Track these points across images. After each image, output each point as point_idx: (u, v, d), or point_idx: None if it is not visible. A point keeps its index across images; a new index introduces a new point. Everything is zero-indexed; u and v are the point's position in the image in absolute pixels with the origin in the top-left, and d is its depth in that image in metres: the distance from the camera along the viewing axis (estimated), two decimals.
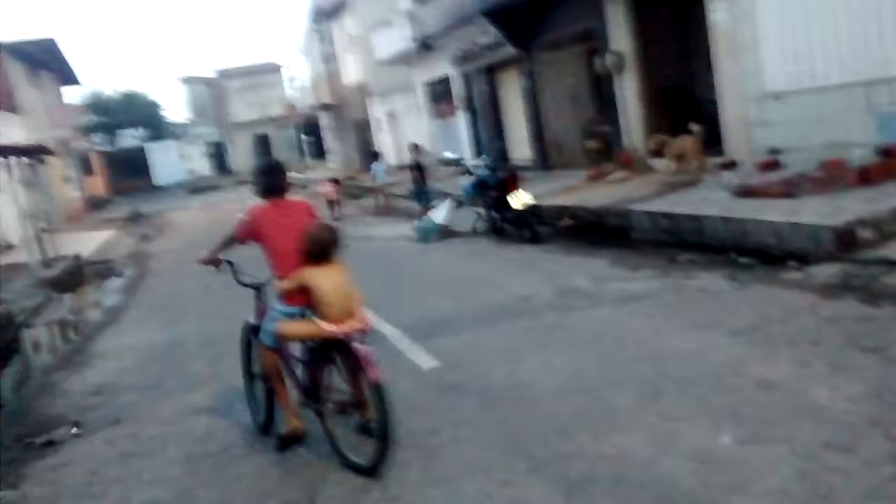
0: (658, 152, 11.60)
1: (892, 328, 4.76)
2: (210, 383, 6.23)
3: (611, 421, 4.15)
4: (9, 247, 19.65)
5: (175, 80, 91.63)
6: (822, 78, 9.23)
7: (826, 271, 6.14)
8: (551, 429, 4.17)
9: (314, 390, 4.36)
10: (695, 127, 10.91)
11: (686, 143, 11.04)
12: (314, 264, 4.21)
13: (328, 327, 4.09)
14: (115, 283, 14.19)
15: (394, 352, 6.16)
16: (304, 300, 4.24)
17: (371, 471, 3.95)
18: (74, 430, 5.59)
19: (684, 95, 13.11)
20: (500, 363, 5.46)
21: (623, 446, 3.81)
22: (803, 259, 6.59)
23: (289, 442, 4.53)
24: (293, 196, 4.79)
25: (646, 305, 6.31)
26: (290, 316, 4.35)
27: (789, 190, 8.06)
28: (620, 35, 13.02)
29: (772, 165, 9.55)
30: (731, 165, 10.38)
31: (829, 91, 9.13)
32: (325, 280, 4.16)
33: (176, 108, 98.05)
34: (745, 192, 8.51)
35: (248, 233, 4.56)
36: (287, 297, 4.35)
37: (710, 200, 8.78)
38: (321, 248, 4.22)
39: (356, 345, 4.00)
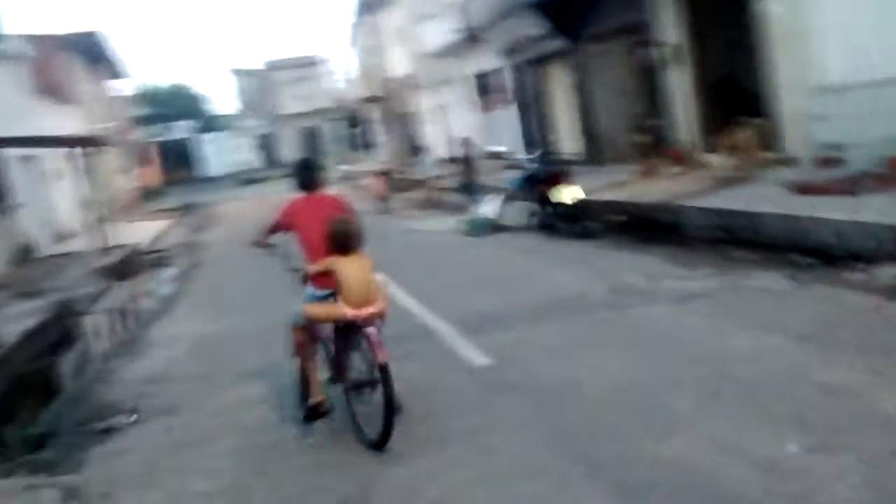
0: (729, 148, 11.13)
1: None
2: (262, 375, 6.29)
3: (670, 424, 4.06)
4: (69, 235, 20.18)
5: (225, 72, 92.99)
6: (882, 70, 8.90)
7: (890, 272, 5.93)
8: (608, 431, 4.11)
9: (339, 369, 4.74)
10: (752, 120, 10.63)
11: (742, 136, 10.75)
12: (339, 254, 4.55)
13: (347, 311, 4.45)
14: (168, 272, 14.45)
15: (444, 348, 6.14)
16: (333, 284, 4.55)
17: (378, 444, 4.29)
18: (132, 418, 5.70)
19: (736, 88, 12.80)
20: (554, 361, 5.40)
21: (683, 451, 3.72)
22: (865, 259, 6.38)
23: (314, 413, 4.83)
24: (330, 190, 5.29)
25: (703, 304, 6.18)
26: (319, 298, 4.71)
27: (849, 187, 7.81)
28: (670, 26, 12.76)
29: (830, 162, 9.26)
30: (787, 161, 10.11)
31: (889, 84, 8.81)
32: (347, 268, 4.52)
33: (226, 100, 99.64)
34: (803, 189, 8.28)
35: (284, 223, 5.00)
36: (317, 281, 4.70)
37: (765, 197, 8.56)
38: (342, 239, 4.57)
39: (367, 329, 4.36)
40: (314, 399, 4.86)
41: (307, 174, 5.11)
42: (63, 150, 16.12)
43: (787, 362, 4.61)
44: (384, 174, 19.33)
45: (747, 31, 11.64)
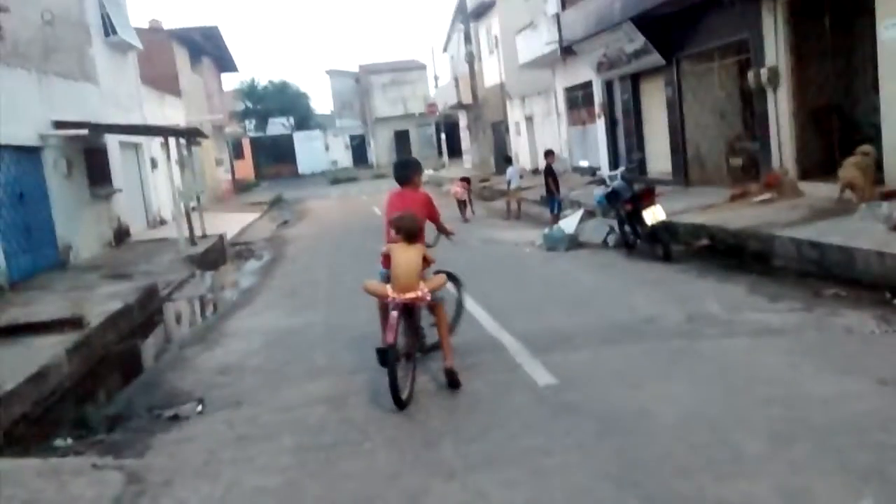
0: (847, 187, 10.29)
1: None
2: (328, 374, 6.36)
3: (736, 465, 3.88)
4: (162, 222, 21.03)
5: (321, 73, 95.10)
6: None
7: None
8: (669, 465, 3.95)
9: (395, 335, 5.27)
10: (866, 148, 10.02)
11: (857, 168, 9.99)
12: (405, 241, 5.51)
13: (389, 292, 5.40)
14: (252, 264, 14.86)
15: (511, 364, 6.06)
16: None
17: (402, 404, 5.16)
18: (199, 408, 5.84)
19: (842, 117, 12.25)
20: (620, 386, 5.25)
21: (748, 495, 3.54)
22: None
23: (381, 356, 5.25)
24: (421, 188, 6.28)
25: (784, 341, 5.90)
26: (383, 276, 5.77)
27: None
28: (773, 48, 12.32)
29: None
30: (892, 196, 9.58)
31: None
32: (398, 254, 5.48)
33: (321, 100, 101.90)
34: None
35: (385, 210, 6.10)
36: (384, 261, 5.78)
37: (864, 232, 8.14)
38: (399, 229, 5.54)
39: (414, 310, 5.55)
40: (382, 345, 5.32)
41: (401, 171, 6.27)
42: (163, 139, 16.76)
43: (868, 410, 4.34)
44: (467, 180, 19.31)
45: (861, 57, 11.15)
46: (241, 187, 40.47)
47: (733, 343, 6.01)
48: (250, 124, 59.13)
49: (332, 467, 4.45)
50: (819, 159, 12.13)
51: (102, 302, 9.72)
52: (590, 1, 18.11)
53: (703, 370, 5.44)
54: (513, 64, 26.88)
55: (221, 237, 17.04)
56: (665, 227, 10.18)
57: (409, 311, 5.53)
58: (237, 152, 45.07)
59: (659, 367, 5.63)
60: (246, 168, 49.95)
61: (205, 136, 21.98)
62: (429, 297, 5.54)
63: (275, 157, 58.35)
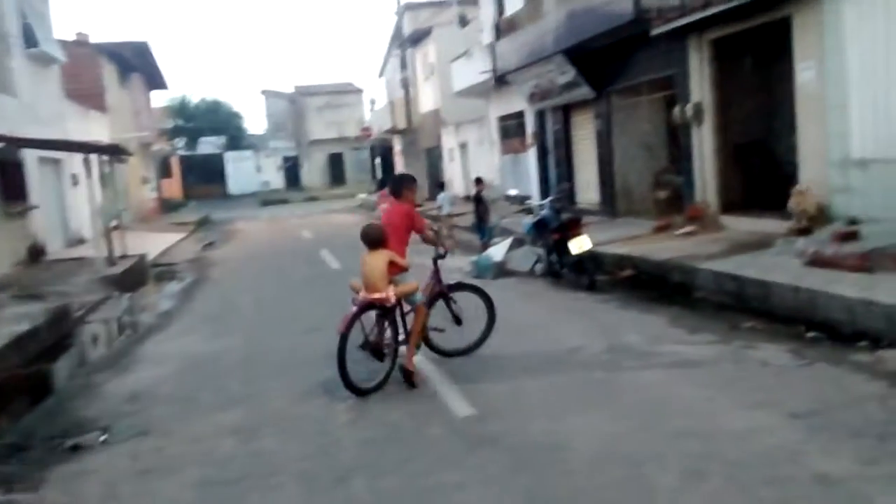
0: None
1: None
2: (242, 404, 6.14)
3: (649, 500, 3.86)
4: (81, 241, 20.24)
5: (256, 93, 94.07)
6: None
7: None
8: (583, 501, 3.90)
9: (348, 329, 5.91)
10: (804, 187, 10.23)
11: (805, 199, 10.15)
12: (369, 248, 6.20)
13: (361, 292, 6.16)
14: (174, 287, 14.40)
15: (429, 393, 5.97)
16: None
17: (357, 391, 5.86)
18: (103, 438, 5.54)
19: (763, 154, 12.66)
20: (540, 419, 5.20)
21: None
22: (874, 340, 6.16)
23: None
24: (409, 201, 6.63)
25: (701, 373, 5.96)
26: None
27: (866, 264, 7.59)
28: (699, 85, 12.69)
29: (849, 236, 9.04)
30: (804, 232, 9.90)
31: None
32: (366, 260, 6.19)
33: (255, 120, 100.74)
34: (819, 262, 8.08)
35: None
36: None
37: (780, 266, 8.36)
38: (366, 239, 6.22)
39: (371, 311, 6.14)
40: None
41: (394, 185, 6.73)
42: (84, 156, 16.19)
43: (779, 444, 4.39)
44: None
45: (781, 98, 11.54)
46: (168, 206, 39.44)
47: (652, 375, 6.04)
48: (181, 143, 57.85)
49: (237, 503, 4.25)
50: (740, 194, 12.48)
51: (8, 323, 9.23)
52: (523, 33, 18.40)
53: (622, 403, 5.44)
54: (448, 91, 27.07)
55: (143, 257, 16.50)
56: (591, 257, 10.28)
57: (385, 311, 6.18)
58: (165, 171, 43.88)
59: (579, 398, 5.60)
60: (174, 187, 48.72)
61: (129, 154, 21.35)
62: (393, 300, 6.13)
63: (205, 177, 57.11)
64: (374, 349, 6.15)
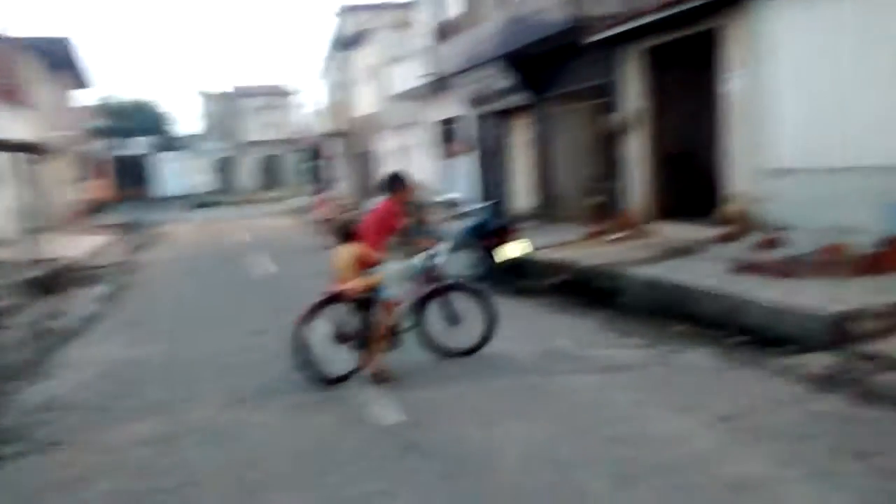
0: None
1: (882, 433, 4.45)
2: (163, 412, 5.92)
3: None
4: (0, 243, 19.40)
5: (191, 93, 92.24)
6: (836, 159, 9.01)
7: (818, 361, 5.82)
8: None
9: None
10: (731, 194, 10.44)
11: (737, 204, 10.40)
12: (341, 242, 6.38)
13: (333, 284, 6.33)
14: (96, 290, 13.89)
15: (358, 399, 5.85)
16: None
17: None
18: (12, 449, 5.26)
19: (693, 162, 12.93)
20: (470, 424, 5.15)
21: None
22: (796, 344, 6.30)
23: None
24: (393, 199, 6.79)
25: (630, 378, 6.01)
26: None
27: (788, 271, 7.80)
28: (633, 95, 12.90)
29: (773, 243, 9.30)
30: (732, 238, 10.14)
31: (840, 173, 8.92)
32: (338, 252, 6.37)
33: (189, 121, 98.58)
34: (744, 268, 8.26)
35: None
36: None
37: (707, 272, 8.51)
38: (338, 233, 6.48)
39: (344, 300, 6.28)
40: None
41: (385, 183, 6.91)
42: (6, 155, 15.52)
43: (707, 448, 4.44)
44: (338, 205, 19.06)
45: (709, 108, 11.79)
46: (95, 208, 38.19)
47: (583, 380, 6.06)
48: (108, 142, 56.18)
49: None
50: (670, 201, 12.71)
51: None
52: (463, 37, 18.42)
53: (553, 407, 5.43)
54: (387, 94, 26.96)
55: (68, 260, 15.89)
56: (525, 263, 10.30)
57: (361, 304, 6.30)
58: (92, 171, 42.54)
59: (511, 404, 5.58)
60: (103, 188, 47.22)
61: (54, 153, 20.59)
62: (355, 292, 6.23)
63: (134, 178, 55.51)
64: (344, 340, 6.32)
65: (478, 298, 7.11)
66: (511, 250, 10.23)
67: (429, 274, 6.96)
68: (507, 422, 5.17)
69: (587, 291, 9.73)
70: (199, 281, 14.21)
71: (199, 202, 46.06)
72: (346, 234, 6.44)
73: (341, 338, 6.35)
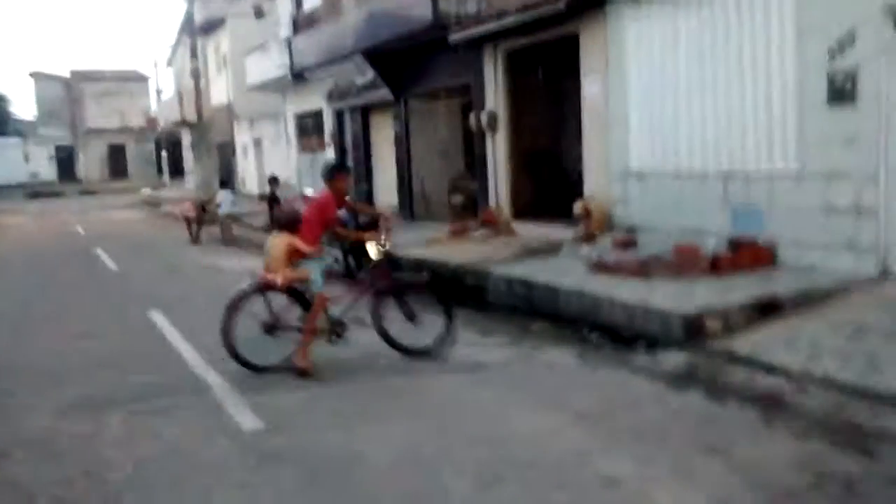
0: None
1: (736, 429, 4.64)
2: None
3: None
4: None
5: (25, 75, 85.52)
6: (684, 163, 9.47)
7: (673, 359, 6.04)
8: None
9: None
10: (588, 195, 10.72)
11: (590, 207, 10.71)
12: (277, 230, 6.43)
13: (264, 272, 6.32)
14: None
15: (214, 406, 5.51)
16: None
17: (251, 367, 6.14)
18: None
19: (552, 163, 13.27)
20: (334, 429, 4.95)
21: None
22: (652, 342, 6.53)
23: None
24: (331, 191, 6.52)
25: (493, 377, 6.01)
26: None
27: (643, 271, 8.09)
28: (496, 95, 13.05)
29: (628, 244, 9.66)
30: (590, 238, 10.45)
31: (688, 176, 9.37)
32: (271, 241, 6.36)
33: (24, 105, 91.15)
34: (602, 268, 8.50)
35: None
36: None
37: (567, 271, 8.71)
38: (276, 222, 6.65)
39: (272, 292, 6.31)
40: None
41: (325, 173, 6.68)
42: None
43: (569, 447, 4.46)
44: (201, 205, 18.24)
45: (570, 110, 12.12)
46: None
47: (447, 380, 6.01)
48: None
49: None
50: (530, 201, 12.99)
51: None
52: (322, 29, 18.03)
53: (417, 409, 5.32)
54: (242, 85, 26.01)
55: None
56: (388, 261, 10.13)
57: (294, 294, 6.31)
58: None
59: (374, 406, 5.42)
60: None
61: None
62: (279, 282, 6.17)
63: None
64: (271, 329, 6.28)
65: (436, 298, 7.03)
66: (371, 247, 10.03)
67: (379, 269, 7.06)
68: (370, 425, 5.01)
69: (449, 289, 9.71)
70: (32, 278, 13.12)
71: (35, 192, 42.83)
72: (284, 223, 6.44)
73: (269, 328, 6.28)
